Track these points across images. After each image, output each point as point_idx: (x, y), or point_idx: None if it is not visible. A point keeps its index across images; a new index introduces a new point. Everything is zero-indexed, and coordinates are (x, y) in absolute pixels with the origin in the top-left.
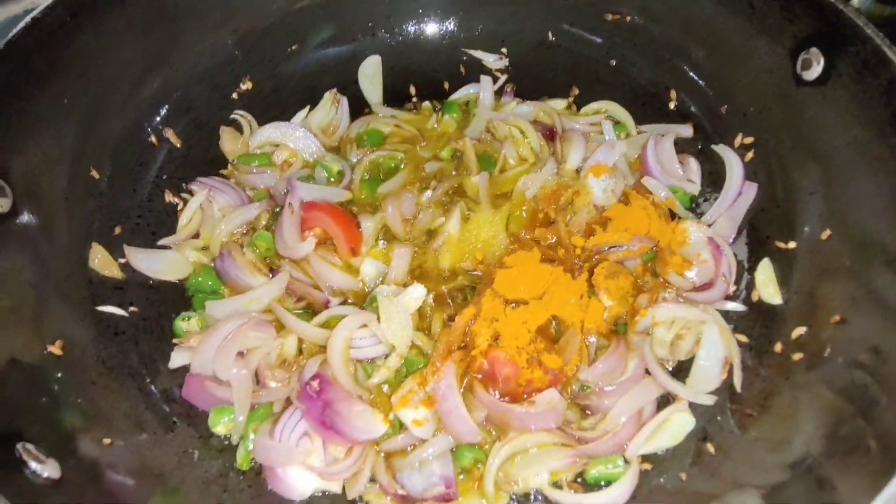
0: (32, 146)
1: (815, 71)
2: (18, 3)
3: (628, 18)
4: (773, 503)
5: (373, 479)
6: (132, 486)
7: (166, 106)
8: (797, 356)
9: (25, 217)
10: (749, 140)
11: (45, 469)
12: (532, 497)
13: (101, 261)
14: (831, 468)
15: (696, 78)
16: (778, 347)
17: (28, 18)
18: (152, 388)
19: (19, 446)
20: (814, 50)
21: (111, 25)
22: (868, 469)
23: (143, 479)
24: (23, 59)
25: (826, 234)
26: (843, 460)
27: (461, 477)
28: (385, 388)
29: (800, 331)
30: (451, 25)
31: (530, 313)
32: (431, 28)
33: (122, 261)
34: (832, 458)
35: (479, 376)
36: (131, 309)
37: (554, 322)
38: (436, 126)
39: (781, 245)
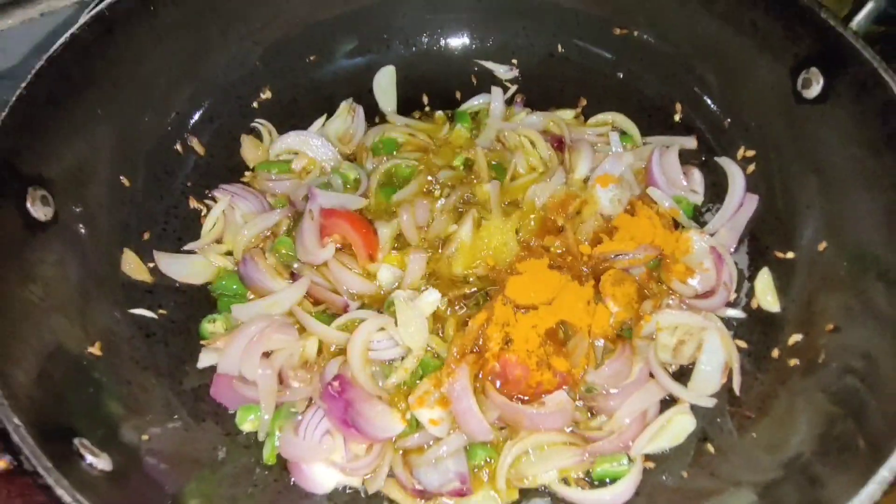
0: (72, 157)
1: (815, 90)
2: (35, 7)
3: (636, 34)
4: (768, 500)
5: (391, 475)
6: (171, 473)
7: (193, 116)
8: (793, 362)
9: (68, 225)
10: (751, 153)
11: (100, 462)
12: (541, 493)
13: (132, 265)
14: (823, 467)
15: (700, 92)
16: (775, 353)
17: (67, 35)
18: (182, 387)
19: (76, 441)
20: (814, 70)
21: (143, 40)
22: (856, 467)
23: (181, 467)
24: (62, 74)
25: (823, 245)
26: (834, 459)
27: (474, 473)
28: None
29: (796, 338)
30: (464, 38)
31: (540, 318)
32: (445, 40)
33: (150, 265)
34: (824, 458)
35: (492, 378)
36: (160, 311)
37: (562, 327)
38: (447, 135)
39: (780, 255)
